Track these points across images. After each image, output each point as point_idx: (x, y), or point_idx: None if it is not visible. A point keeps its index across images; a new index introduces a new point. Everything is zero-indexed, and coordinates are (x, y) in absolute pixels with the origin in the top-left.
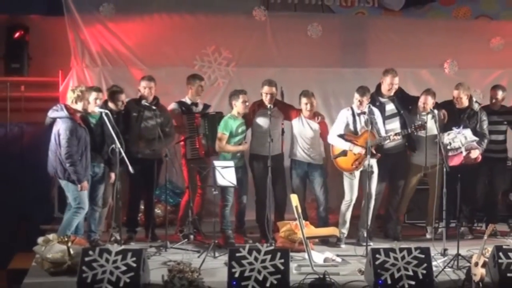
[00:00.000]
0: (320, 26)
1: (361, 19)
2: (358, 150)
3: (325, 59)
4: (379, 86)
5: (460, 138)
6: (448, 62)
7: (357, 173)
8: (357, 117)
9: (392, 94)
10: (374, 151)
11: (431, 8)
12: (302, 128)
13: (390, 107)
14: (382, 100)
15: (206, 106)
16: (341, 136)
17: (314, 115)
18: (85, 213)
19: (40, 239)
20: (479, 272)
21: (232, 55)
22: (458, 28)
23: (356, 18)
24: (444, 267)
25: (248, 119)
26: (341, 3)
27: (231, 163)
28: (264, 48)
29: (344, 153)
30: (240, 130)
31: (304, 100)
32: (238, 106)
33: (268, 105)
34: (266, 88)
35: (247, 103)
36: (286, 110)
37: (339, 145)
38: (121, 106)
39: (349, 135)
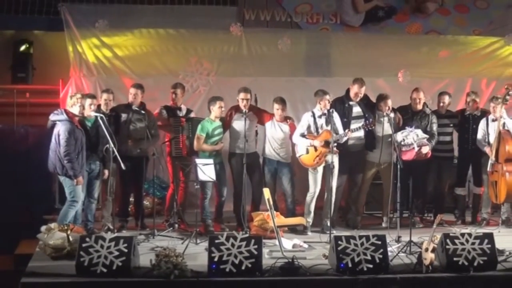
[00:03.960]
0: (289, 40)
1: (325, 34)
2: (317, 143)
3: (293, 70)
4: (348, 91)
5: (413, 136)
6: (402, 72)
7: (319, 168)
8: (317, 119)
9: (358, 99)
10: (334, 148)
11: (387, 24)
12: (274, 131)
13: (357, 110)
14: (351, 103)
15: (189, 111)
16: (302, 135)
17: (284, 118)
18: (79, 205)
19: (43, 228)
20: (429, 256)
21: (211, 66)
22: (411, 42)
23: (320, 33)
24: (398, 252)
25: (225, 122)
26: (307, 20)
27: (210, 161)
28: (240, 59)
29: (306, 151)
30: (216, 132)
31: (276, 105)
32: (215, 110)
33: (243, 110)
34: (242, 95)
35: (222, 108)
36: (260, 114)
37: (301, 143)
38: (110, 106)
39: (310, 135)
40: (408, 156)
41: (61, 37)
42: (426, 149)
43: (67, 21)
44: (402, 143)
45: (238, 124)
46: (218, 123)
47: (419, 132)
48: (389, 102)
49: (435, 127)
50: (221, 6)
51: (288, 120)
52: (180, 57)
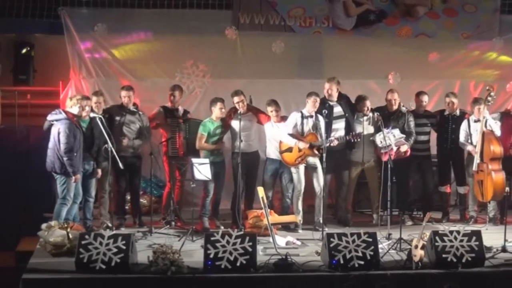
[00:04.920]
0: (283, 43)
1: (318, 37)
2: (302, 145)
3: (287, 72)
4: None
5: (390, 137)
6: (392, 74)
7: (301, 167)
8: (305, 120)
9: (332, 98)
10: (316, 151)
11: (377, 28)
12: (273, 131)
13: (338, 109)
14: (331, 103)
15: (186, 112)
16: (289, 134)
17: (282, 118)
18: (71, 203)
19: (43, 225)
20: (418, 253)
21: (207, 68)
22: (401, 45)
23: (313, 37)
24: (389, 249)
25: (226, 122)
26: (300, 23)
27: (206, 160)
28: (235, 62)
29: (289, 149)
30: (217, 132)
31: (269, 108)
32: (216, 111)
33: (239, 111)
34: (236, 98)
35: (223, 110)
36: (259, 115)
37: (287, 141)
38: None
39: (296, 135)
40: (387, 156)
41: (61, 40)
42: (404, 148)
43: (67, 25)
44: (380, 145)
45: (237, 124)
46: (219, 123)
47: (396, 132)
48: (368, 103)
49: (412, 125)
50: (217, 10)
51: (285, 120)
52: (176, 60)
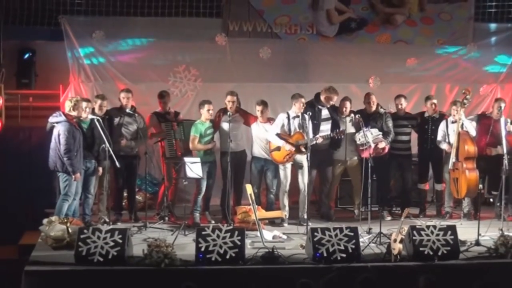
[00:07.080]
0: (270, 49)
1: (303, 43)
2: (288, 147)
3: (273, 76)
4: (317, 96)
5: (368, 134)
6: (373, 78)
7: (288, 165)
8: (291, 120)
9: (328, 105)
10: (303, 149)
11: (358, 35)
12: (259, 131)
13: (325, 113)
14: (320, 107)
15: (177, 113)
16: (277, 134)
17: (268, 119)
18: (71, 199)
19: (44, 220)
20: (397, 247)
21: (199, 73)
22: (381, 50)
23: (298, 43)
24: (369, 243)
25: (215, 123)
26: (286, 31)
27: (197, 159)
28: (225, 67)
29: (278, 148)
30: (208, 132)
31: (258, 107)
32: (204, 113)
33: (228, 113)
34: (229, 97)
35: (210, 111)
36: (246, 117)
37: (275, 141)
38: (104, 111)
39: (284, 135)
40: (366, 153)
41: (62, 46)
42: (382, 145)
43: (67, 32)
44: (359, 142)
45: (226, 125)
46: (209, 123)
47: (374, 130)
48: (347, 104)
49: (390, 124)
50: (208, 18)
51: (271, 121)
52: (170, 65)
